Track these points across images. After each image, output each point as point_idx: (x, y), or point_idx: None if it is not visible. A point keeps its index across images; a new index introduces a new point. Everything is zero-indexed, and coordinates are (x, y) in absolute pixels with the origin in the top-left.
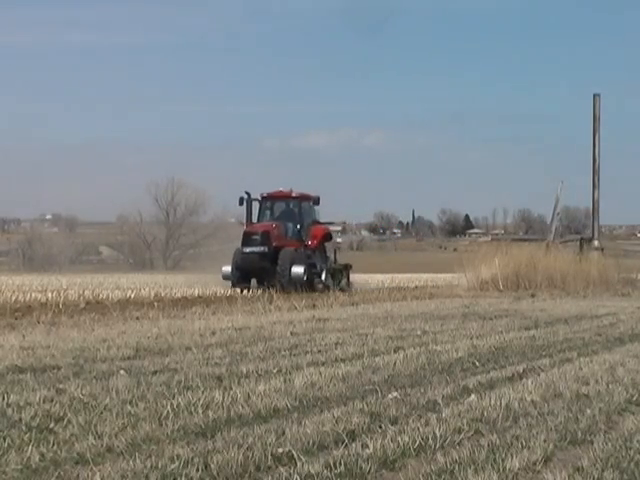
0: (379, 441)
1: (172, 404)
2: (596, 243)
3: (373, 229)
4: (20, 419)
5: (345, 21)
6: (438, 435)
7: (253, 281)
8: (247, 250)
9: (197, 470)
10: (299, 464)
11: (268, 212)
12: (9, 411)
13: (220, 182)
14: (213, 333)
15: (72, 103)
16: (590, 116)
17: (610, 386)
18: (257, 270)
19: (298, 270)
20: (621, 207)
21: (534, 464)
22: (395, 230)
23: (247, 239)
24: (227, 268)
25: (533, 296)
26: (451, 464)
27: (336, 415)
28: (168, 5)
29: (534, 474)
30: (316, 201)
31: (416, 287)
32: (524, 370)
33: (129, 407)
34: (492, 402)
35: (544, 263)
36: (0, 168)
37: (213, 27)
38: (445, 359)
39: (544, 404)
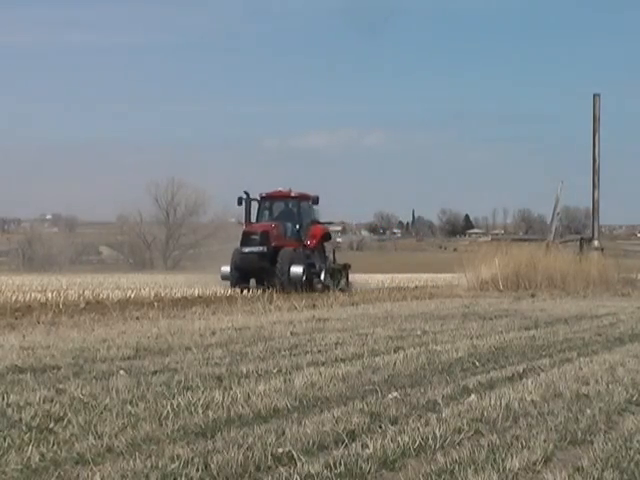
0: (379, 441)
1: (172, 404)
2: (596, 243)
3: (373, 229)
4: (20, 419)
5: (345, 21)
6: (438, 435)
7: (252, 281)
8: (246, 250)
9: (197, 470)
10: (299, 464)
11: (267, 212)
12: (9, 411)
13: (220, 182)
14: (213, 333)
15: (72, 103)
16: (590, 116)
17: (610, 386)
18: (256, 270)
19: (297, 270)
20: (621, 207)
21: (534, 464)
22: (395, 230)
23: (246, 239)
24: (226, 268)
25: (533, 296)
26: (451, 464)
27: (336, 415)
28: (168, 5)
29: (534, 474)
30: (315, 201)
31: (416, 287)
32: (524, 370)
33: (129, 407)
34: (492, 402)
35: (544, 263)
36: (0, 168)
37: (213, 27)
38: (445, 359)
39: (544, 404)
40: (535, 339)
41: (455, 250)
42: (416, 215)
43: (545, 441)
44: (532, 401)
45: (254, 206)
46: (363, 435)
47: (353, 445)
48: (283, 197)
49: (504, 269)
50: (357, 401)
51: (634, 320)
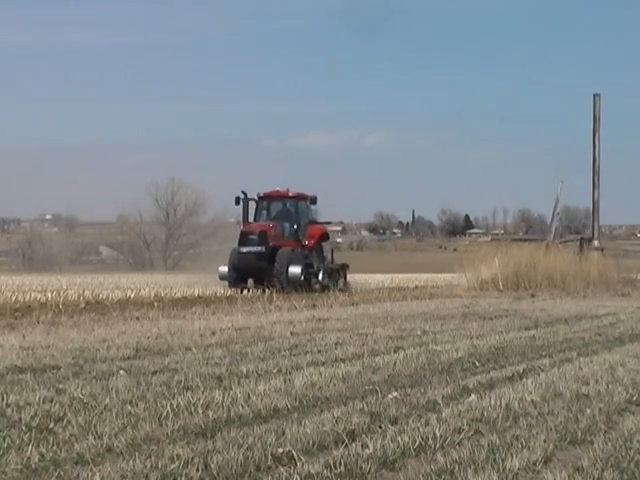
0: (379, 441)
1: (172, 404)
2: (596, 243)
3: (373, 229)
4: (20, 419)
5: (345, 21)
6: (438, 435)
7: (250, 281)
8: (244, 250)
9: (197, 470)
10: (299, 464)
11: (265, 212)
12: (9, 411)
13: (220, 182)
14: (213, 333)
15: (72, 103)
16: (590, 116)
17: (610, 386)
18: (254, 270)
19: (295, 270)
20: (621, 207)
21: (534, 464)
22: (395, 230)
23: (244, 239)
24: (224, 268)
25: (533, 296)
26: (451, 464)
27: (336, 415)
28: (168, 5)
29: (534, 474)
30: (313, 200)
31: (416, 287)
32: (524, 370)
33: (129, 407)
34: (492, 402)
35: (544, 263)
36: (0, 168)
37: (213, 27)
38: (445, 359)
39: (544, 404)
40: (535, 339)
41: (455, 250)
42: (416, 215)
43: (545, 441)
44: (532, 401)
45: (252, 206)
46: (363, 435)
47: (353, 445)
48: (281, 197)
49: (504, 269)
50: (357, 401)
51: (634, 320)
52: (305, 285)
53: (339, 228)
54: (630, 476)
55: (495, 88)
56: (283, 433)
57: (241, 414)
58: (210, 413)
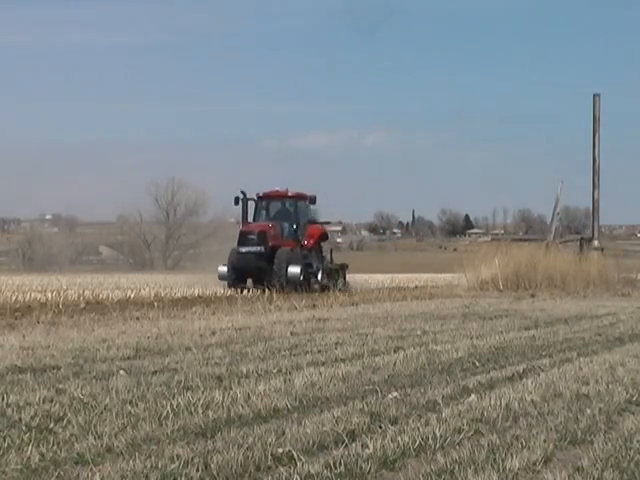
0: (379, 441)
1: (172, 404)
2: (596, 243)
3: (373, 229)
4: (20, 419)
5: (345, 21)
6: (438, 435)
7: (249, 281)
8: (243, 250)
9: (197, 470)
10: (299, 464)
11: (264, 212)
12: (9, 411)
13: (220, 182)
14: (213, 333)
15: (72, 103)
16: (590, 116)
17: (610, 386)
18: (253, 270)
19: (294, 270)
20: (621, 207)
21: (534, 464)
22: (395, 230)
23: (243, 239)
24: (223, 268)
25: (533, 296)
26: (451, 464)
27: (336, 415)
28: (168, 5)
29: (534, 474)
30: (312, 200)
31: (416, 287)
32: (524, 370)
33: (129, 407)
34: (492, 402)
35: (544, 263)
36: (0, 168)
37: (213, 27)
38: (445, 359)
39: (544, 404)
40: (535, 339)
41: (455, 250)
42: (416, 215)
43: (545, 441)
44: (532, 401)
45: (251, 206)
46: (363, 435)
47: (353, 445)
48: (280, 197)
49: (504, 269)
50: (357, 401)
51: (634, 320)
52: (304, 285)
53: (339, 228)
54: (630, 476)
55: (495, 88)
56: (283, 433)
57: (241, 414)
58: (210, 413)
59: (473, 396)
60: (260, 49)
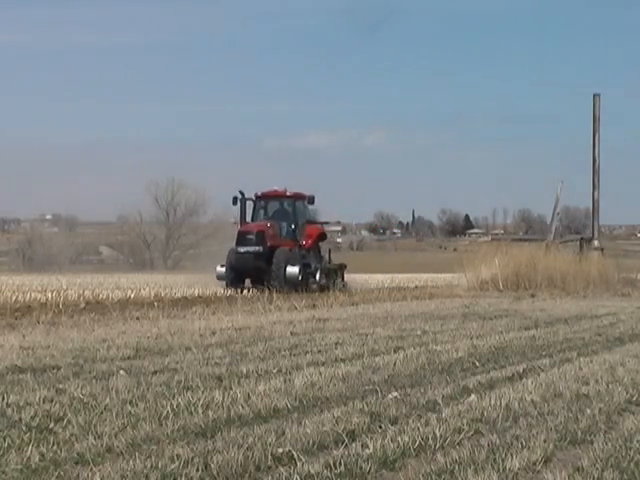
0: (379, 441)
1: (172, 404)
2: (596, 243)
3: (373, 229)
4: (20, 419)
5: (345, 21)
6: (438, 435)
7: (247, 281)
8: (242, 250)
9: (197, 470)
10: (299, 464)
11: (262, 211)
12: (9, 411)
13: (220, 182)
14: (213, 333)
15: (72, 103)
16: (590, 116)
17: (610, 386)
18: (252, 270)
19: (293, 270)
20: (621, 207)
21: (534, 464)
22: (395, 230)
23: (242, 239)
24: (221, 269)
25: (533, 296)
26: (451, 464)
27: (336, 415)
28: (168, 5)
29: (534, 474)
30: (311, 200)
31: (416, 287)
32: (524, 370)
33: (129, 407)
34: (492, 402)
35: (544, 263)
36: (0, 168)
37: (213, 27)
38: (445, 359)
39: (544, 404)
40: (535, 339)
41: (455, 250)
42: (416, 215)
43: (545, 441)
44: (532, 401)
45: (249, 206)
46: (363, 435)
47: (353, 445)
48: (278, 196)
49: (504, 269)
50: (357, 401)
51: (634, 320)
52: (303, 285)
53: (339, 228)
54: (630, 476)
55: (495, 88)
56: (283, 433)
57: (241, 414)
58: (210, 413)
59: (473, 396)
60: (260, 49)
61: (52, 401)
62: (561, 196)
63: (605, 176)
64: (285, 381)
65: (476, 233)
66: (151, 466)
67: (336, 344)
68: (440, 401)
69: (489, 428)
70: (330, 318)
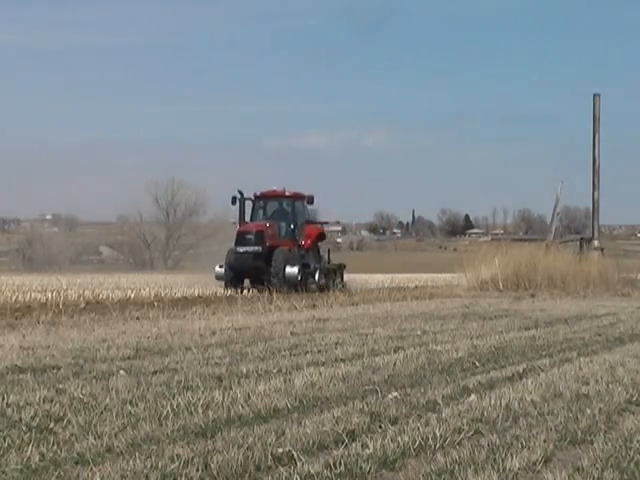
0: (379, 441)
1: (172, 404)
2: (596, 243)
3: (373, 229)
4: (20, 419)
5: (345, 21)
6: (438, 435)
7: (246, 281)
8: (241, 250)
9: (197, 470)
10: (299, 464)
11: (261, 211)
12: (9, 411)
13: (220, 182)
14: (213, 333)
15: (72, 103)
16: (590, 116)
17: (610, 386)
18: (251, 270)
19: (292, 270)
20: (621, 207)
21: (534, 464)
22: (395, 230)
23: (241, 238)
24: (220, 269)
25: (533, 296)
26: (451, 464)
27: (336, 415)
28: (168, 5)
29: (534, 474)
30: (310, 200)
31: (416, 287)
32: (524, 370)
33: (129, 407)
34: (492, 402)
35: (544, 263)
36: (0, 168)
37: (213, 27)
38: (445, 359)
39: (544, 404)
40: (535, 339)
41: (455, 250)
42: (416, 215)
43: (545, 441)
44: (532, 401)
45: (248, 205)
46: (363, 435)
47: (353, 445)
48: (277, 196)
49: (504, 269)
50: (357, 401)
51: (634, 320)
52: (302, 285)
53: (339, 228)
54: (630, 476)
55: (495, 88)
56: (283, 433)
57: (241, 414)
58: (210, 413)
59: (473, 396)
60: (260, 49)
61: (52, 401)
62: (561, 196)
63: (605, 176)
64: (285, 381)
65: (476, 233)
66: (151, 466)
67: (336, 344)
68: (440, 401)
69: (489, 428)
70: (330, 318)
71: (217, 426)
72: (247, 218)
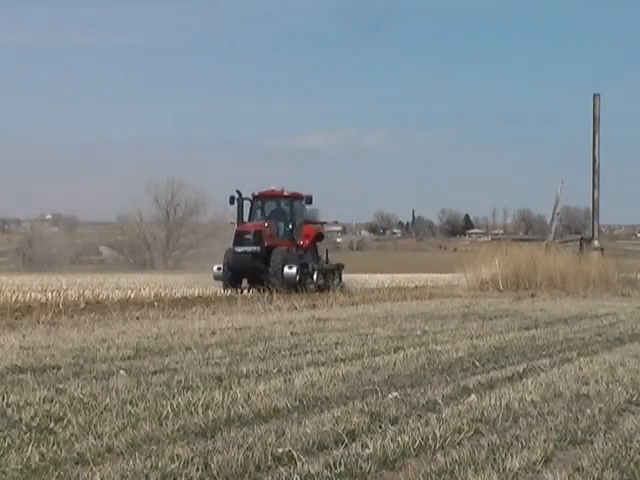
0: (379, 441)
1: (172, 404)
2: (596, 243)
3: (373, 229)
4: (20, 419)
5: (345, 21)
6: (438, 435)
7: (244, 281)
8: (239, 250)
9: (197, 470)
10: (299, 464)
11: (259, 211)
12: (9, 411)
13: (220, 182)
14: (213, 333)
15: (72, 103)
16: (590, 116)
17: (610, 386)
18: (249, 270)
19: (291, 270)
20: (621, 207)
21: (534, 464)
22: (395, 230)
23: (239, 238)
24: (218, 271)
25: (533, 296)
26: (451, 464)
27: (336, 415)
28: (168, 5)
29: (534, 474)
30: (308, 200)
31: (416, 287)
32: (524, 370)
33: (129, 407)
34: (492, 402)
35: (544, 263)
36: (0, 168)
37: (213, 27)
38: (445, 359)
39: (544, 404)
40: (535, 339)
41: (455, 250)
42: (416, 215)
43: (545, 441)
44: (532, 401)
45: (247, 205)
46: (363, 435)
47: (353, 445)
48: (276, 196)
49: (504, 269)
50: (357, 401)
51: (634, 320)
52: (301, 285)
53: (339, 228)
54: (630, 476)
55: (495, 88)
56: (283, 433)
57: (241, 414)
58: (210, 413)
59: (473, 396)
60: (260, 49)
61: (52, 401)
62: (561, 196)
63: (605, 176)
64: (285, 381)
65: (476, 233)
66: (151, 466)
67: (336, 344)
68: (440, 401)
69: (489, 428)
70: (330, 318)
71: (217, 426)
72: (245, 218)
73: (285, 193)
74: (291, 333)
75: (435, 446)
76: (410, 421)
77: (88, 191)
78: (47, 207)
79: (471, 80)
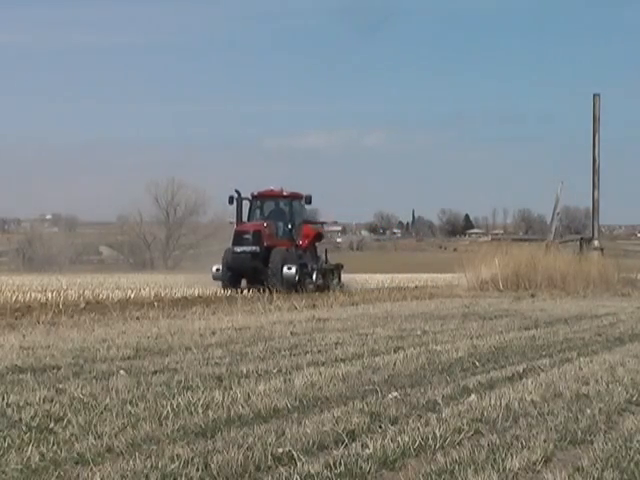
0: (379, 441)
1: (172, 404)
2: (596, 243)
3: (373, 229)
4: (20, 419)
5: (345, 21)
6: (438, 435)
7: (243, 281)
8: (238, 250)
9: (197, 470)
10: (299, 464)
11: (258, 211)
12: (9, 411)
13: (220, 182)
14: (213, 333)
15: (72, 103)
16: (590, 116)
17: (610, 386)
18: (248, 270)
19: (290, 270)
20: (621, 207)
21: (534, 464)
22: (395, 230)
23: (238, 238)
24: (217, 272)
25: (533, 296)
26: (451, 464)
27: (336, 415)
28: (168, 5)
29: (534, 474)
30: (308, 200)
31: (416, 287)
32: (524, 370)
33: (129, 407)
34: (492, 402)
35: (544, 263)
36: (0, 168)
37: (213, 27)
38: (445, 359)
39: (544, 404)
40: (535, 339)
41: (455, 250)
42: (416, 215)
43: (545, 441)
44: (532, 401)
45: (246, 205)
46: (363, 435)
47: (353, 445)
48: (275, 196)
49: (504, 269)
50: (357, 401)
51: (634, 320)
52: (299, 285)
53: (339, 228)
54: (630, 476)
55: (495, 88)
56: (283, 433)
57: (241, 414)
58: (210, 413)
59: (473, 396)
60: (260, 49)
61: (52, 401)
62: (561, 196)
63: (605, 176)
64: (285, 381)
65: (476, 233)
66: (151, 466)
67: (336, 344)
68: (440, 401)
69: (489, 428)
70: (330, 318)
71: (217, 426)
72: (244, 218)
73: (284, 193)
74: (291, 333)
75: (435, 446)
76: (410, 421)
77: (88, 191)
78: (47, 207)
79: (471, 80)
